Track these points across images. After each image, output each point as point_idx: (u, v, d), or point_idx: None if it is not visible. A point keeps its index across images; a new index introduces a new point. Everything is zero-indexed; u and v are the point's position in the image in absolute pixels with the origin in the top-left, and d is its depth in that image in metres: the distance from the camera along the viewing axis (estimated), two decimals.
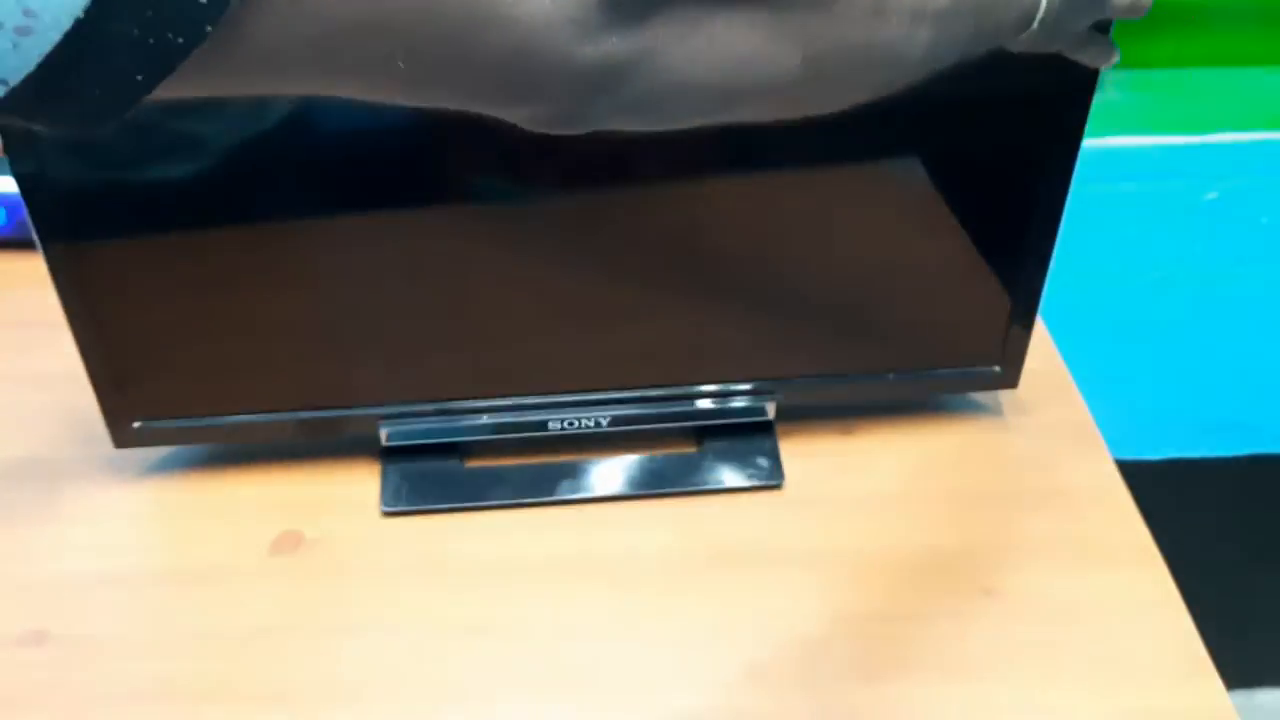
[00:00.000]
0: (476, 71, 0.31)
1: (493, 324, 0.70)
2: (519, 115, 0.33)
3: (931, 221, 0.68)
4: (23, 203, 0.60)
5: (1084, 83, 0.61)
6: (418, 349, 0.71)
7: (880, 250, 0.70)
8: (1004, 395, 0.78)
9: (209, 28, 0.25)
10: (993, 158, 0.66)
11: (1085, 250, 1.13)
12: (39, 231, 0.62)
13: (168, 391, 0.70)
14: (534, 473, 0.74)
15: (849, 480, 0.73)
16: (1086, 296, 1.17)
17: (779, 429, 0.75)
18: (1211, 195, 1.13)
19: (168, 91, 0.26)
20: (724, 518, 0.71)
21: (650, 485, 0.73)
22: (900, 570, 0.67)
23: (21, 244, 0.88)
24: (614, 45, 0.31)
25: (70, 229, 0.62)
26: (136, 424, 0.70)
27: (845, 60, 0.36)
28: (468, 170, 0.65)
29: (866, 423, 0.76)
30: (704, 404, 0.74)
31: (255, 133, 0.61)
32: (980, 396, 0.78)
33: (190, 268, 0.66)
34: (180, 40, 0.25)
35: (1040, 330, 0.80)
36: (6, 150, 0.59)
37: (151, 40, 0.25)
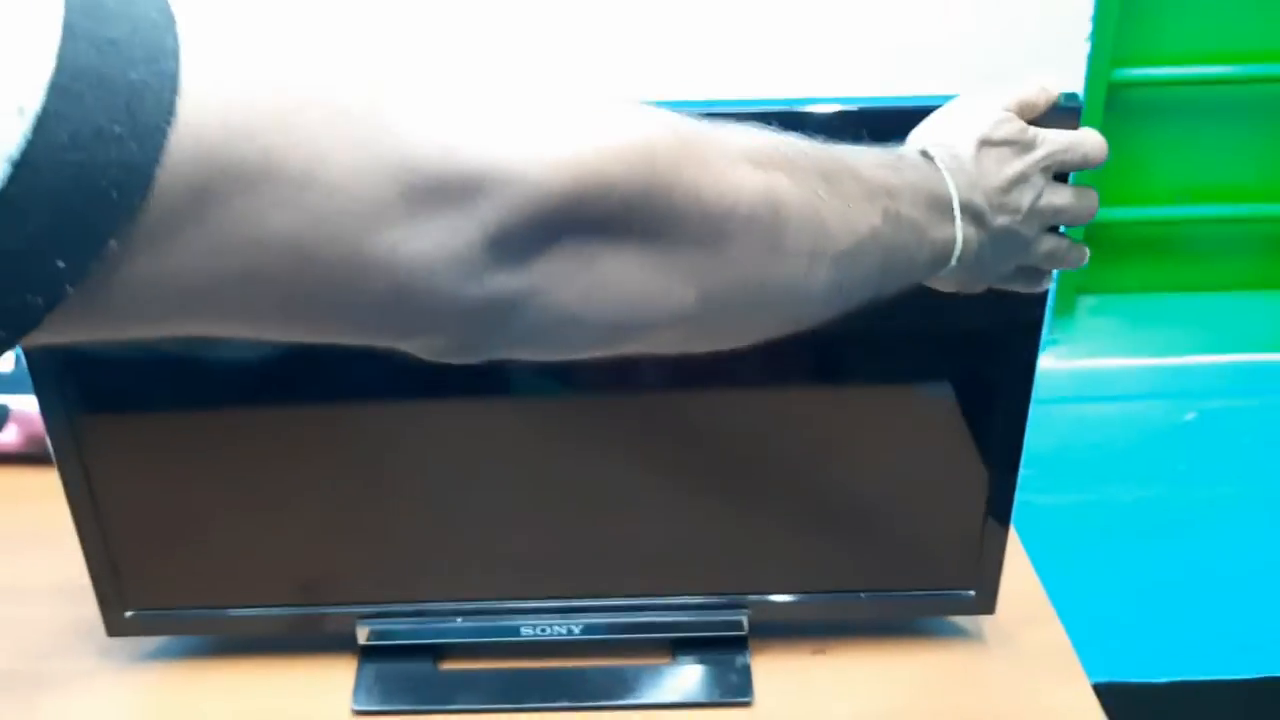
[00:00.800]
0: (360, 312, 0.30)
1: (471, 527, 0.71)
2: (413, 346, 0.33)
3: (907, 445, 0.70)
4: None
5: (1033, 309, 0.63)
6: (398, 550, 0.72)
7: (852, 470, 0.71)
8: (980, 616, 0.77)
9: (69, 289, 0.25)
10: (955, 382, 0.68)
11: (1069, 470, 1.14)
12: (45, 411, 0.64)
13: (160, 584, 0.72)
14: (505, 678, 0.74)
15: (819, 700, 0.72)
16: (1071, 517, 1.17)
17: (752, 643, 0.75)
18: (1190, 415, 1.15)
19: (40, 339, 0.26)
20: None
21: (621, 696, 0.72)
22: None
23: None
24: (501, 284, 0.31)
25: (75, 411, 0.65)
26: (129, 613, 0.72)
27: (741, 298, 0.36)
28: (460, 373, 0.67)
29: (840, 641, 0.76)
30: (677, 616, 0.74)
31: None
32: (955, 617, 0.78)
33: (187, 460, 0.68)
34: (40, 301, 0.24)
35: (1018, 552, 0.80)
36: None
37: (10, 302, 0.24)
